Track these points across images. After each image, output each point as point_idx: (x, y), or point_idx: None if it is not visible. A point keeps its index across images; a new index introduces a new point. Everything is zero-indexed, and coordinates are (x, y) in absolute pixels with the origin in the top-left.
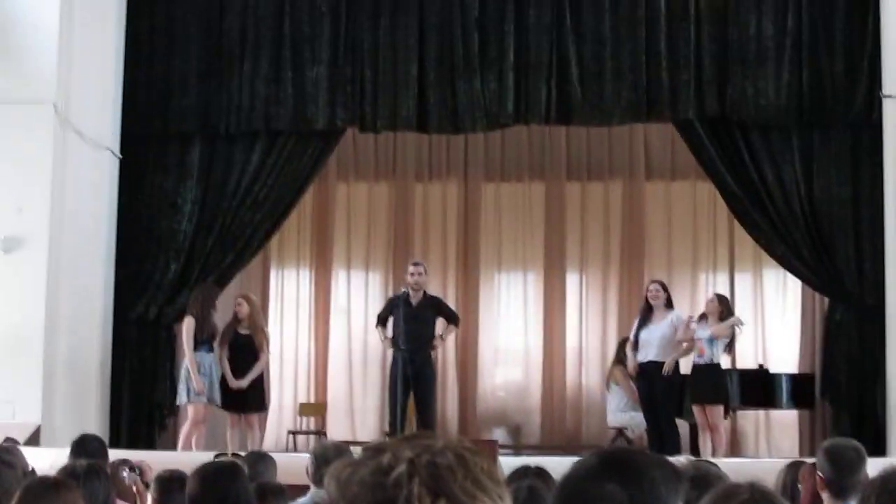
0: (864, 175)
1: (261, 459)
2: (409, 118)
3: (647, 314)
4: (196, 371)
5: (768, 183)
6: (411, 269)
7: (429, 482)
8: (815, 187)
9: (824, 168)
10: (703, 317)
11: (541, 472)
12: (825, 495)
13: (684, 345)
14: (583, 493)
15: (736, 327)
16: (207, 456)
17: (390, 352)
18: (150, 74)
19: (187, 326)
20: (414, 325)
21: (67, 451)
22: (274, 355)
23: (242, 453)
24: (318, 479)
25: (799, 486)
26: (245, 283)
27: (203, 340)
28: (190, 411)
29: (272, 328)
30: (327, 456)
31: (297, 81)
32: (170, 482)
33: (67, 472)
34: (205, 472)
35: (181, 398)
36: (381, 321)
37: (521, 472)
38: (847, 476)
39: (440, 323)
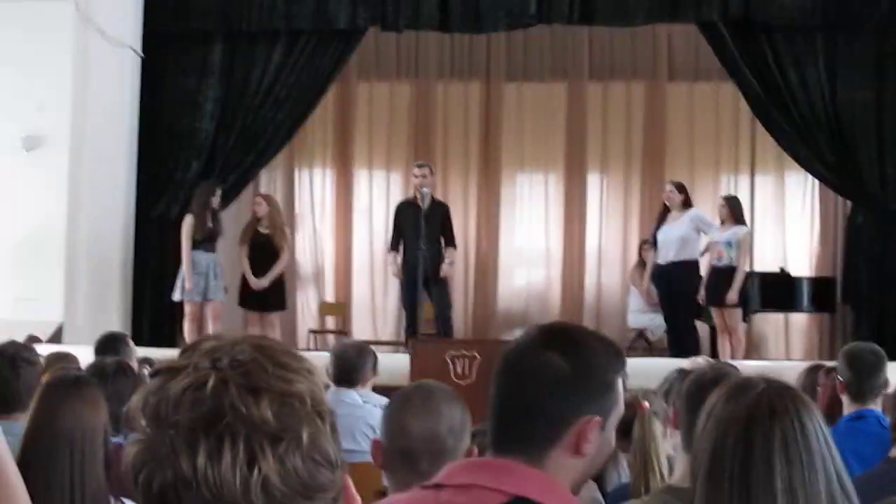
0: (888, 78)
1: None
2: (432, 17)
3: (664, 215)
4: (190, 269)
5: (791, 85)
6: (416, 170)
7: (243, 382)
8: (838, 90)
9: (848, 71)
10: (721, 222)
11: None
12: (845, 398)
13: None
14: (524, 362)
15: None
16: None
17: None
18: None
19: (186, 225)
20: (428, 226)
21: (90, 348)
22: (298, 255)
23: None
24: (338, 379)
25: (818, 389)
26: (271, 182)
27: (201, 239)
28: (186, 308)
29: (301, 228)
30: (347, 355)
31: None
32: None
33: (95, 371)
34: None
35: (175, 294)
36: (395, 245)
37: None
38: (866, 380)
39: (461, 227)
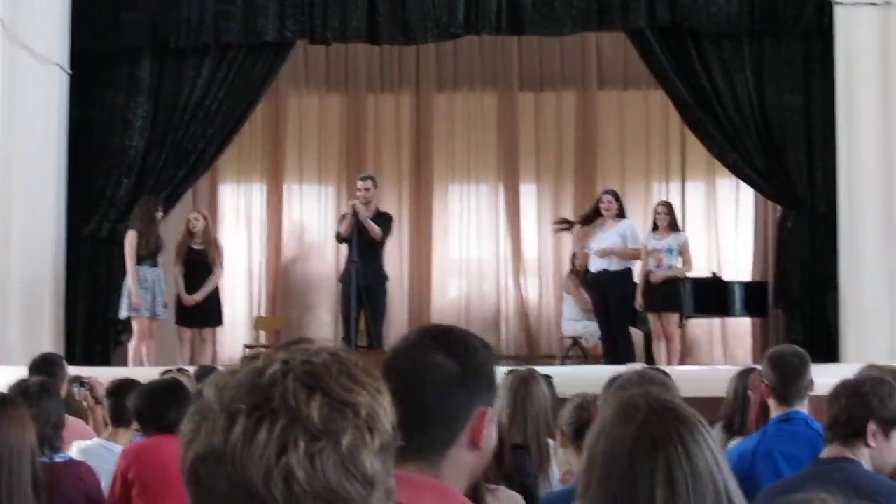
0: (815, 83)
1: (210, 373)
2: (360, 29)
3: (591, 219)
4: (137, 285)
5: (720, 91)
6: (359, 184)
7: (303, 378)
8: (766, 95)
9: (775, 76)
10: (655, 227)
11: None
12: (771, 401)
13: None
14: (415, 366)
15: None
16: (158, 371)
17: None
18: None
19: (129, 241)
20: (365, 239)
21: (22, 368)
22: (228, 270)
23: (190, 369)
24: None
25: (749, 392)
26: (195, 198)
27: (146, 255)
28: (135, 326)
29: (227, 243)
30: None
31: None
32: (122, 387)
33: (19, 390)
34: (144, 391)
35: (122, 312)
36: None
37: None
38: (791, 382)
39: (396, 239)
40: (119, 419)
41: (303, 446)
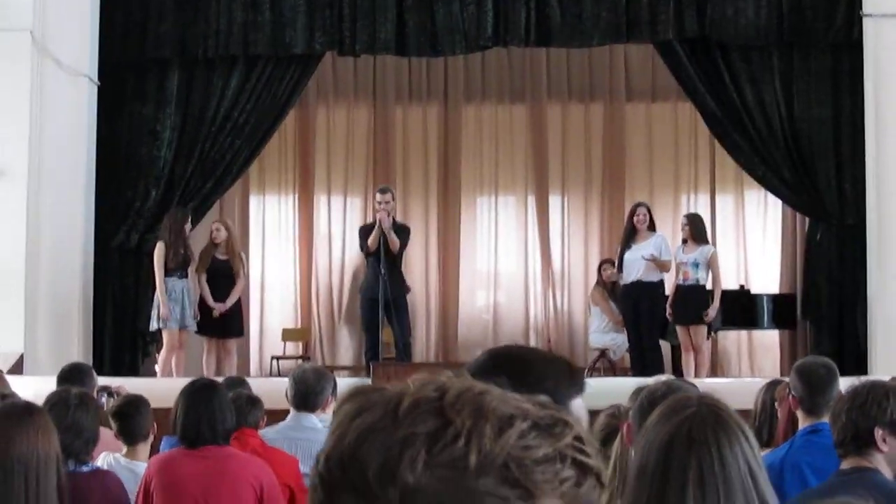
0: (843, 95)
1: (237, 384)
2: (388, 41)
3: (631, 236)
4: (165, 297)
5: (748, 103)
6: (378, 196)
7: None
8: (795, 107)
9: (804, 88)
10: (684, 240)
11: None
12: (799, 413)
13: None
14: None
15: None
16: (186, 381)
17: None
18: (127, 1)
19: (157, 253)
20: (390, 252)
21: (51, 378)
22: (256, 281)
23: (219, 378)
24: (297, 404)
25: (776, 404)
26: (225, 210)
27: (175, 267)
28: (164, 337)
29: (255, 254)
30: (306, 380)
31: (275, 6)
32: (129, 406)
33: (58, 399)
34: (186, 392)
35: (152, 324)
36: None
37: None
38: (818, 394)
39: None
40: (133, 437)
41: None
